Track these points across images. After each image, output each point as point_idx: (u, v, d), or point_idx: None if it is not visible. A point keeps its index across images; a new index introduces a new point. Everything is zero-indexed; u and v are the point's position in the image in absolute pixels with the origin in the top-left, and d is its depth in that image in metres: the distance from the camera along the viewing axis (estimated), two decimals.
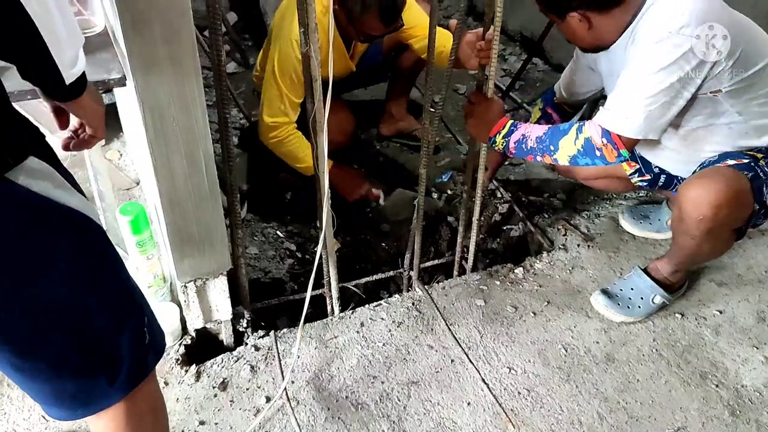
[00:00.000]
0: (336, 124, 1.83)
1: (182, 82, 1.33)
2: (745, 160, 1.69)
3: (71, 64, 0.96)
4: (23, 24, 0.84)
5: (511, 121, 1.79)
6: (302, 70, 1.54)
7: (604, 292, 1.97)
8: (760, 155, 1.71)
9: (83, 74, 1.00)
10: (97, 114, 1.14)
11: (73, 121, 1.15)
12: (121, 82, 1.37)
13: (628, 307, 1.92)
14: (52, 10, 0.88)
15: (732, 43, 1.57)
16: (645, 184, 2.01)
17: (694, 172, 1.79)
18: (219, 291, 1.75)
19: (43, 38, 0.87)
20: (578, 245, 2.23)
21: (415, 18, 2.38)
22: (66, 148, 1.17)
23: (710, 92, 1.65)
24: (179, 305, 1.81)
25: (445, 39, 2.19)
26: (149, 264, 1.78)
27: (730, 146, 1.75)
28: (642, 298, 1.92)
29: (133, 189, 2.47)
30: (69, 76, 0.96)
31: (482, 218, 2.41)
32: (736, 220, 1.70)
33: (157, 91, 1.32)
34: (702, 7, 1.58)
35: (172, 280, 1.84)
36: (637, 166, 1.99)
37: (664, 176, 1.96)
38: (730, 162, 1.70)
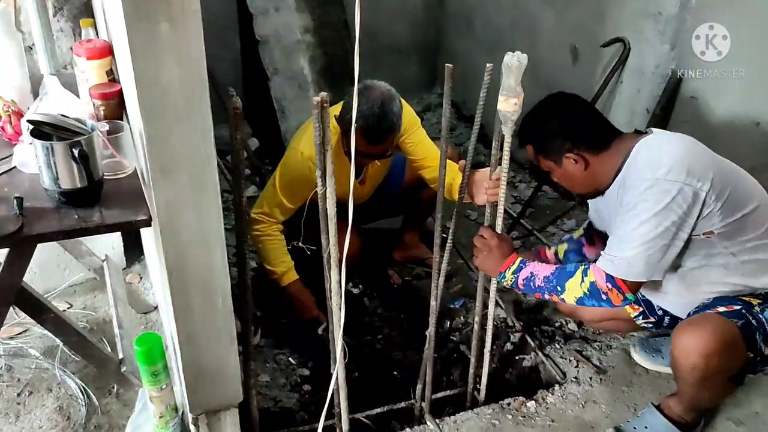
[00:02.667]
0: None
1: (205, 224, 1.40)
2: (737, 307, 1.71)
3: None
4: None
5: (520, 258, 1.85)
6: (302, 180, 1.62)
7: (618, 430, 1.93)
8: (756, 301, 1.74)
9: None
10: None
11: None
12: (147, 223, 1.45)
13: None
14: None
15: (719, 185, 1.65)
16: (650, 326, 2.02)
17: (689, 314, 1.81)
18: (230, 424, 1.75)
19: None
20: (590, 378, 2.21)
21: (427, 150, 2.50)
22: None
23: (703, 234, 1.70)
24: None
25: (455, 173, 2.28)
26: (162, 394, 1.79)
27: (728, 287, 1.78)
28: None
29: (151, 313, 2.51)
30: None
31: (494, 348, 2.42)
32: (729, 369, 1.69)
33: (181, 232, 1.39)
34: (686, 154, 1.68)
35: (183, 410, 1.84)
36: (641, 309, 2.00)
37: (668, 318, 1.97)
38: (721, 309, 1.72)
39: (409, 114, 2.46)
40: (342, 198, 1.67)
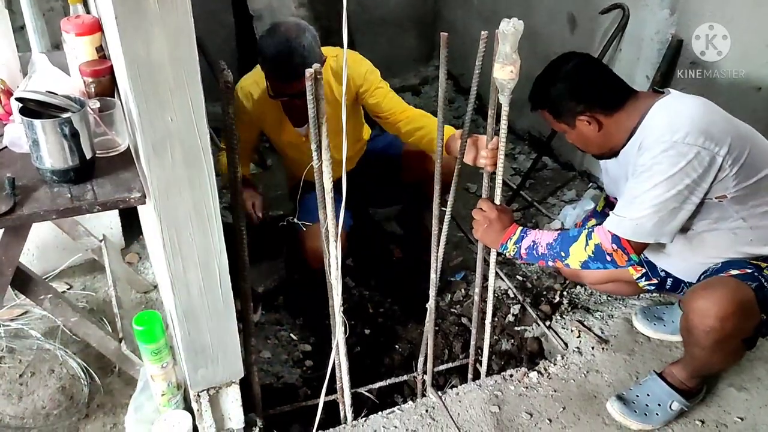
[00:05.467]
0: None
1: (200, 201, 1.39)
2: (749, 270, 1.71)
3: None
4: None
5: (521, 227, 1.83)
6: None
7: (620, 398, 1.94)
8: (764, 264, 1.73)
9: None
10: None
11: None
12: (141, 200, 1.43)
13: (646, 414, 1.89)
14: None
15: (737, 150, 1.63)
16: (653, 288, 2.02)
17: (699, 279, 1.80)
18: (232, 400, 1.75)
19: None
20: (593, 347, 2.21)
21: (394, 103, 2.35)
22: None
23: (716, 197, 1.68)
24: (192, 412, 1.81)
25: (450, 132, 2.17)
26: (164, 372, 1.79)
27: (733, 252, 1.77)
28: (659, 405, 1.89)
29: (151, 292, 2.51)
30: None
31: (495, 320, 2.41)
32: (744, 331, 1.69)
33: (176, 209, 1.38)
34: (703, 117, 1.65)
35: (185, 386, 1.85)
36: (644, 270, 2.00)
37: (671, 280, 1.97)
38: (734, 272, 1.71)
39: (362, 67, 2.32)
40: (286, 147, 1.89)
